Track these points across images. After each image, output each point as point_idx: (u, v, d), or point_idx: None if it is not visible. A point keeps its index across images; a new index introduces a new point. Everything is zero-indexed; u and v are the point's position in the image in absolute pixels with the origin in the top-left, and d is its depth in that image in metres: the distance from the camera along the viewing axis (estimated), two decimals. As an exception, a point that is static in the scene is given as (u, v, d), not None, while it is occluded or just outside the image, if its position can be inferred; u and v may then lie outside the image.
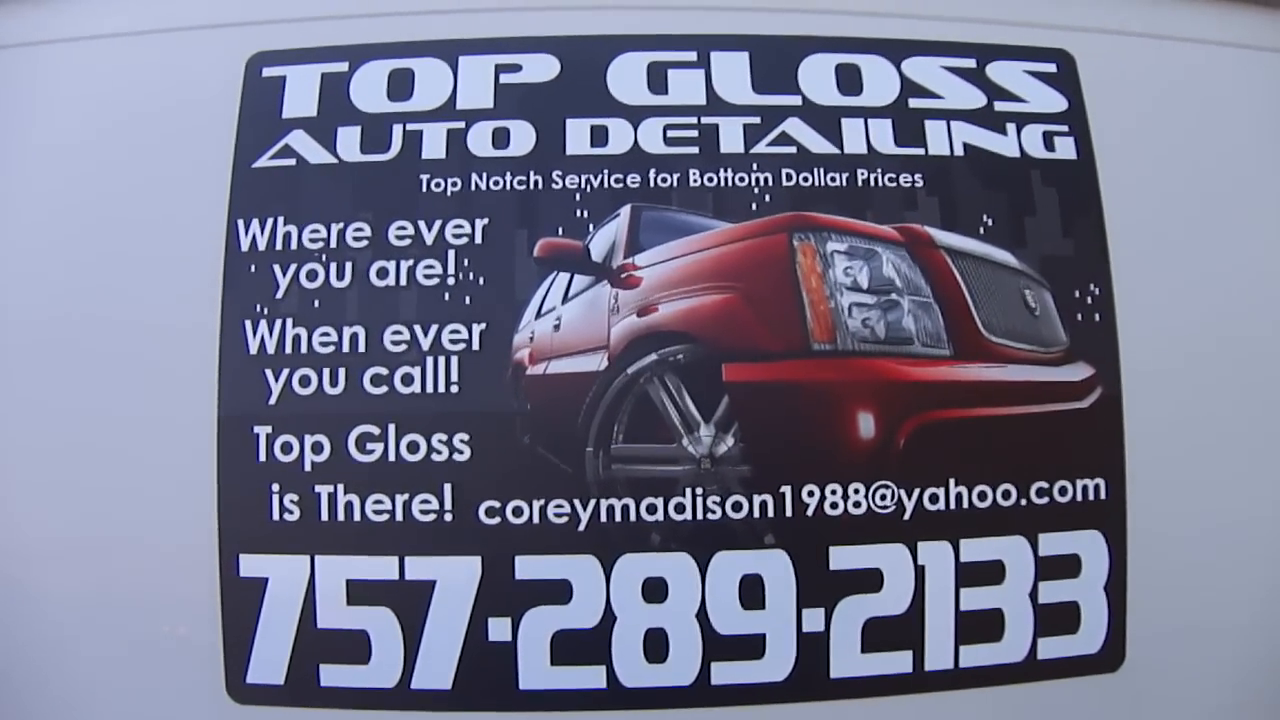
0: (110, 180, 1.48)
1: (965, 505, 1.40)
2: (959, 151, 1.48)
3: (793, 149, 1.46)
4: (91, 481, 1.42)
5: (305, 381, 1.40)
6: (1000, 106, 1.51)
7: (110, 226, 1.47)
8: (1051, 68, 1.54)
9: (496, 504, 1.37)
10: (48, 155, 1.51)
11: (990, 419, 1.42)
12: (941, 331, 1.42)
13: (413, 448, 1.38)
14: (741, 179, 1.45)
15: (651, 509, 1.38)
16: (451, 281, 1.41)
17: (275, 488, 1.38)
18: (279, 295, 1.41)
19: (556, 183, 1.43)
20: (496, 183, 1.43)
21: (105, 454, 1.42)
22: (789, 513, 1.38)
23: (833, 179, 1.45)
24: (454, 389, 1.39)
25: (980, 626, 1.41)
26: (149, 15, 1.55)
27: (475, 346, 1.39)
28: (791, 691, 1.39)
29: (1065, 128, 1.51)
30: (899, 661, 1.41)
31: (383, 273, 1.41)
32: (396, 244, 1.42)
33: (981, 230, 1.46)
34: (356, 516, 1.38)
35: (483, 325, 1.40)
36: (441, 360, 1.39)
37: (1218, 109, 1.58)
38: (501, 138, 1.45)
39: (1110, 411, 1.45)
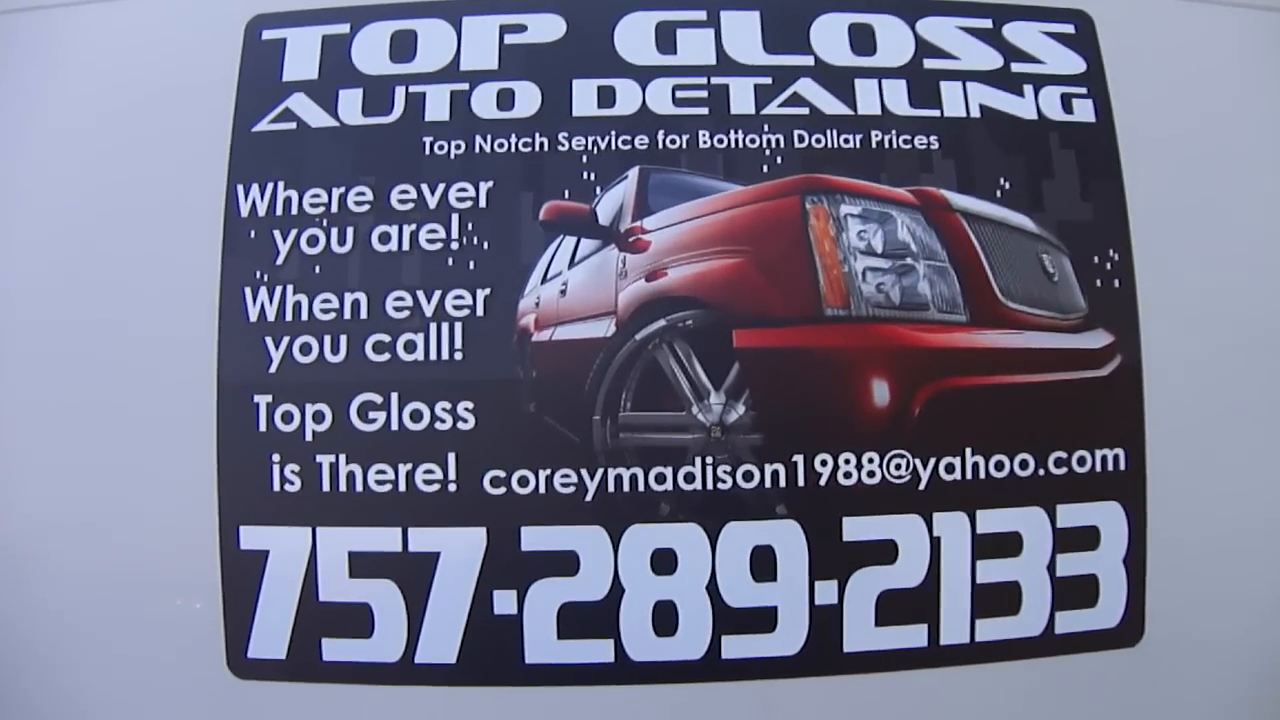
0: (107, 146, 1.45)
1: (982, 475, 1.37)
2: (975, 113, 1.44)
3: (805, 110, 1.43)
4: (89, 453, 1.40)
5: (306, 349, 1.37)
6: (1017, 68, 1.47)
7: (107, 193, 1.44)
8: (1069, 28, 1.50)
9: (502, 474, 1.34)
10: (42, 121, 1.48)
11: (1007, 387, 1.39)
12: (958, 297, 1.39)
13: (416, 416, 1.35)
14: (752, 140, 1.41)
15: (660, 478, 1.35)
16: (455, 246, 1.38)
17: (276, 458, 1.36)
18: (279, 261, 1.38)
19: (563, 145, 1.40)
20: (501, 145, 1.40)
21: (103, 425, 1.40)
22: (801, 482, 1.35)
23: (846, 140, 1.42)
24: (458, 356, 1.36)
25: (997, 600, 1.38)
26: (146, -22, 1.52)
27: (480, 312, 1.36)
28: (804, 665, 1.36)
29: (1084, 89, 1.48)
30: (914, 635, 1.38)
31: (385, 237, 1.38)
32: (399, 208, 1.39)
33: (998, 194, 1.42)
34: (359, 487, 1.35)
35: (487, 291, 1.37)
36: (445, 327, 1.36)
37: (1240, 70, 1.55)
38: (506, 99, 1.42)
39: (1130, 380, 1.42)
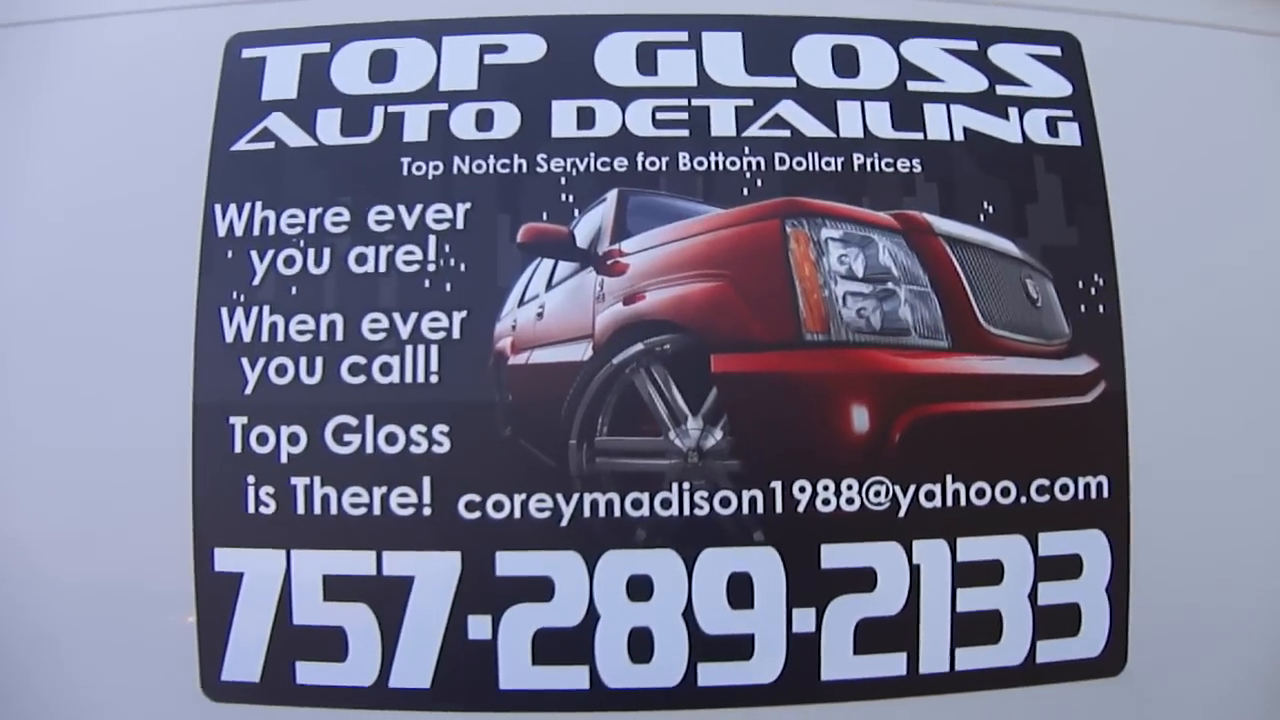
0: (86, 164, 1.45)
1: (962, 503, 1.36)
2: (959, 136, 1.43)
3: (786, 132, 1.42)
4: (63, 473, 1.39)
5: (282, 371, 1.36)
6: (1002, 90, 1.46)
7: (85, 211, 1.43)
8: (1055, 51, 1.49)
9: (477, 498, 1.33)
10: (20, 140, 1.47)
11: (989, 413, 1.37)
12: (939, 322, 1.38)
13: (391, 439, 1.34)
14: (733, 163, 1.40)
15: (637, 504, 1.34)
16: (432, 268, 1.37)
17: (251, 480, 1.35)
18: (256, 282, 1.38)
19: (541, 166, 1.39)
20: (479, 166, 1.39)
21: (77, 445, 1.39)
22: (779, 509, 1.33)
23: (828, 163, 1.41)
24: (434, 379, 1.35)
25: (977, 628, 1.37)
26: (126, -5, 1.52)
27: (456, 335, 1.35)
28: (781, 694, 1.35)
29: (1069, 113, 1.47)
30: (893, 664, 1.36)
31: (362, 259, 1.38)
32: (376, 229, 1.38)
33: (982, 218, 1.41)
34: (333, 510, 1.34)
35: (464, 313, 1.36)
36: (421, 349, 1.35)
37: (1226, 95, 1.54)
38: (485, 120, 1.41)
39: (1114, 406, 1.40)
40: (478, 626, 1.33)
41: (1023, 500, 1.38)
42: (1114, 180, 1.45)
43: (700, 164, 1.40)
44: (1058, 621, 1.39)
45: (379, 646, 1.34)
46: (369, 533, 1.34)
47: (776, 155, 1.41)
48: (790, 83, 1.44)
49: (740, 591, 1.34)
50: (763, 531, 1.34)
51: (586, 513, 1.33)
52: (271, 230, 1.39)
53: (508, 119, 1.41)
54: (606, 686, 1.34)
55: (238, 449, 1.35)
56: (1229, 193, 1.50)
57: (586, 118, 1.41)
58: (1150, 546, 1.40)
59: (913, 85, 1.45)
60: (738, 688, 1.35)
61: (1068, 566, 1.39)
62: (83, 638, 1.39)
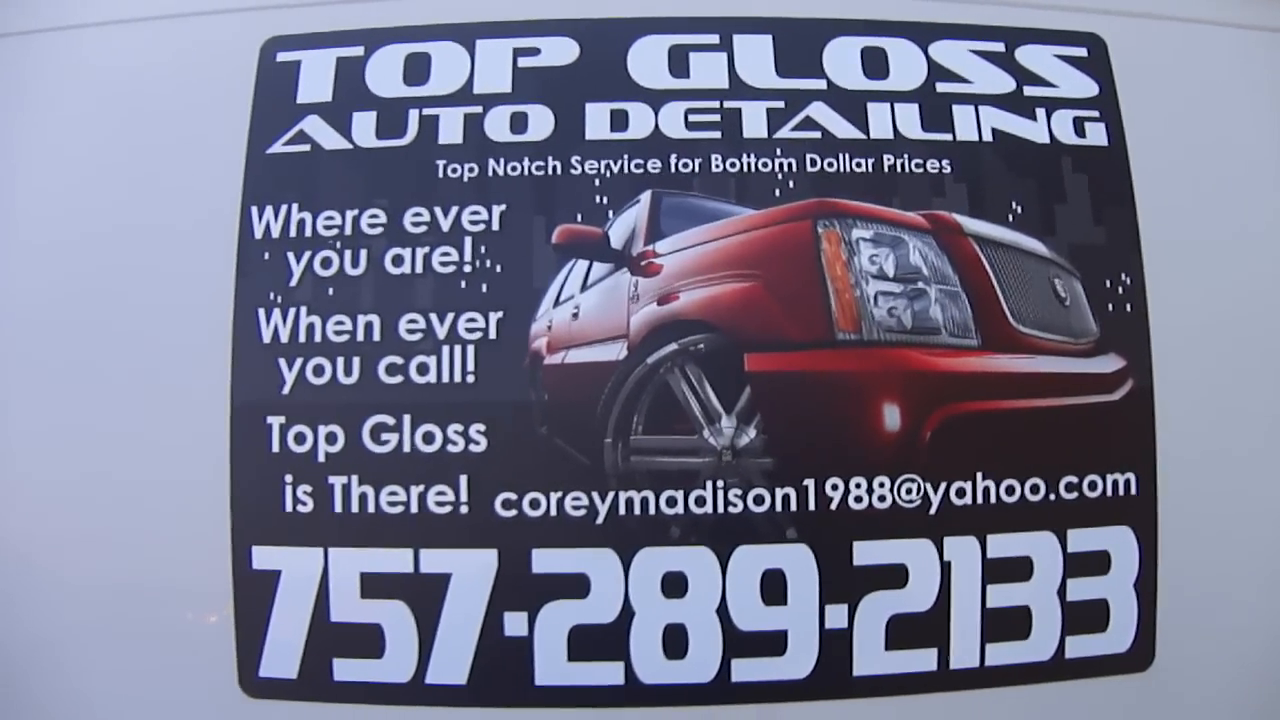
0: (124, 167, 1.46)
1: (992, 500, 1.37)
2: (988, 137, 1.45)
3: (817, 134, 1.43)
4: (103, 472, 1.40)
5: (319, 371, 1.37)
6: (1030, 91, 1.48)
7: (123, 213, 1.45)
8: (1082, 52, 1.50)
9: (513, 496, 1.35)
10: (59, 143, 1.49)
11: (1019, 411, 1.39)
12: (969, 321, 1.39)
13: (428, 438, 1.35)
14: (765, 164, 1.41)
15: (671, 502, 1.35)
16: (468, 269, 1.38)
17: (288, 479, 1.36)
18: (293, 283, 1.39)
19: (575, 168, 1.41)
20: (514, 168, 1.41)
21: (117, 444, 1.40)
22: (812, 506, 1.35)
23: (858, 164, 1.42)
24: (470, 379, 1.36)
25: (1007, 624, 1.38)
26: (162, 0, 1.52)
27: (492, 335, 1.37)
28: (813, 689, 1.36)
29: (1096, 113, 1.48)
30: (923, 659, 1.38)
31: (398, 260, 1.39)
32: (412, 231, 1.40)
33: (1010, 218, 1.43)
34: (371, 508, 1.35)
35: (500, 314, 1.37)
36: (458, 349, 1.37)
37: (1252, 95, 1.54)
38: (519, 122, 1.43)
39: (1141, 404, 1.41)
40: (514, 623, 1.35)
41: (1052, 497, 1.39)
42: (1141, 179, 1.46)
43: (732, 165, 1.42)
44: (1086, 617, 1.40)
45: (416, 643, 1.35)
46: (406, 531, 1.35)
47: (808, 156, 1.42)
48: (821, 85, 1.45)
49: (774, 588, 1.35)
50: (796, 529, 1.35)
51: (622, 510, 1.35)
52: (308, 232, 1.40)
53: (542, 121, 1.42)
54: (641, 682, 1.35)
55: (275, 448, 1.37)
56: (1255, 191, 1.50)
57: (620, 120, 1.42)
58: (1177, 543, 1.41)
59: (941, 86, 1.46)
60: (771, 683, 1.36)
61: (1096, 563, 1.40)
62: (122, 635, 1.40)
